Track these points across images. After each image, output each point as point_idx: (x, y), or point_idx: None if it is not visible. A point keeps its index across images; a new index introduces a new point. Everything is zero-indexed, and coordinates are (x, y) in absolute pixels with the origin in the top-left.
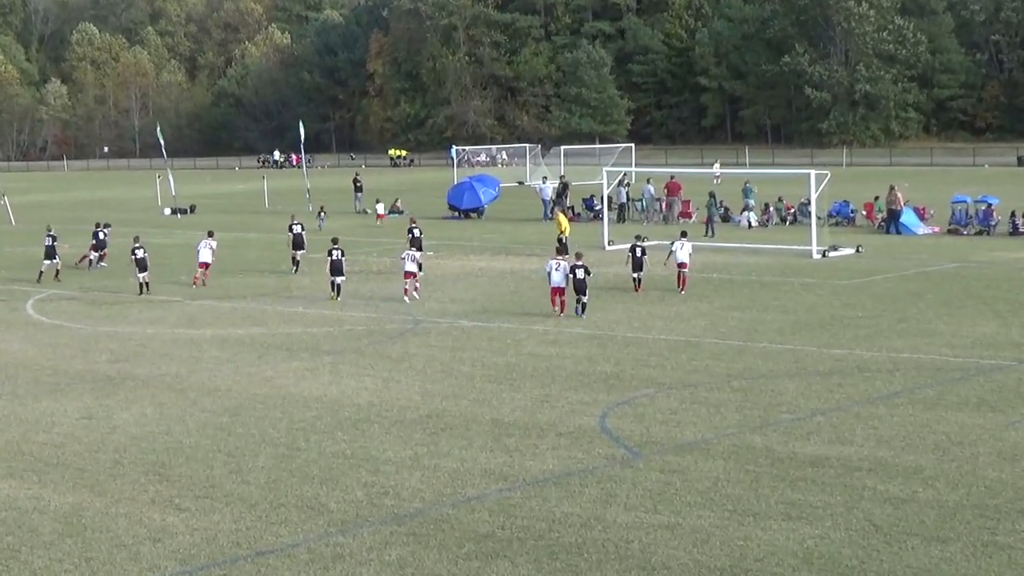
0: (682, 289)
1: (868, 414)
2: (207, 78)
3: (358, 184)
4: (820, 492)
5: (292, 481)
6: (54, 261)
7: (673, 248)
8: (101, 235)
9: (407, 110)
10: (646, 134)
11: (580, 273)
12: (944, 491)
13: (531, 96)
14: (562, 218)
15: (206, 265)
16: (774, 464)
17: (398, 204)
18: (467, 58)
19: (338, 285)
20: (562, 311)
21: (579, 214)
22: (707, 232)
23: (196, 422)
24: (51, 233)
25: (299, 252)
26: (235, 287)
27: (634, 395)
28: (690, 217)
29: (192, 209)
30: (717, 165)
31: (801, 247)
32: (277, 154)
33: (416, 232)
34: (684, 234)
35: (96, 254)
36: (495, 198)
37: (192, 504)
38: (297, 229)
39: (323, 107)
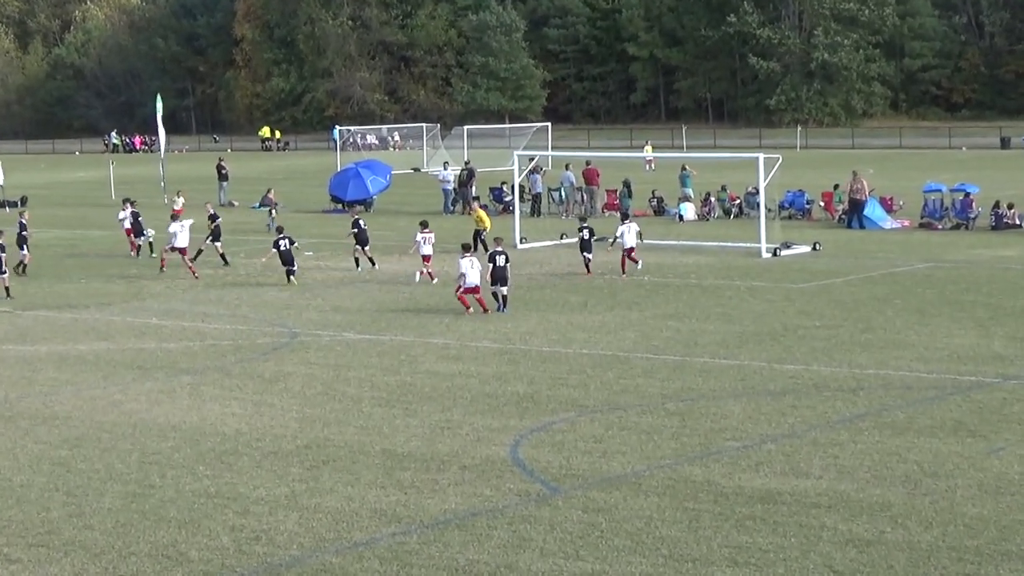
0: (625, 275)
1: (827, 440)
2: (41, 45)
3: (223, 171)
4: (771, 533)
5: (145, 525)
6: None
7: (619, 232)
8: None
9: (280, 84)
10: (565, 111)
11: (501, 260)
12: (916, 531)
13: (428, 67)
14: (483, 213)
15: (183, 251)
16: (717, 501)
17: (271, 195)
18: (351, 22)
19: (292, 273)
20: (484, 311)
21: (486, 206)
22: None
23: (28, 456)
24: None
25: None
26: (75, 294)
27: (551, 420)
28: (616, 209)
29: (23, 201)
30: (649, 148)
31: (748, 244)
32: (115, 135)
33: (362, 224)
34: (626, 216)
35: None
36: (386, 187)
37: (24, 554)
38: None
39: (180, 80)
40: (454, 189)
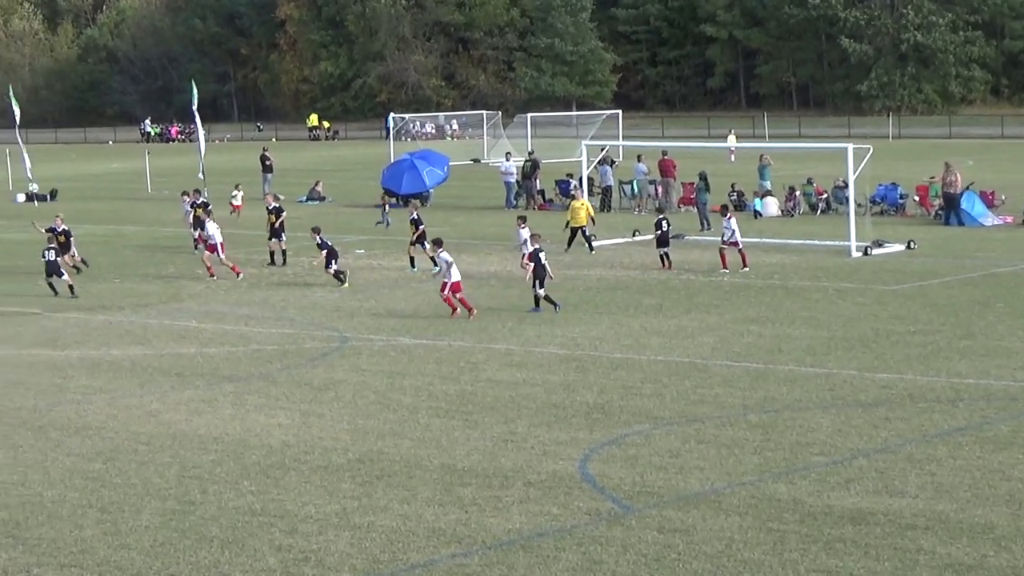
0: (745, 266)
1: (923, 456)
2: (72, 26)
3: (267, 162)
4: (863, 557)
5: (185, 544)
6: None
7: (724, 225)
8: None
9: (329, 68)
10: (637, 98)
11: (543, 257)
12: (1022, 555)
13: (489, 49)
14: (582, 205)
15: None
16: (803, 521)
17: (318, 188)
18: (405, 1)
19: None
20: (470, 312)
21: (551, 200)
22: (702, 225)
23: (60, 469)
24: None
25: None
26: (109, 295)
27: (624, 433)
28: (693, 204)
29: (53, 195)
30: (732, 137)
31: (836, 243)
32: (149, 124)
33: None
34: (726, 208)
35: None
36: (443, 180)
37: (56, 575)
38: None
39: (221, 64)
40: (517, 182)
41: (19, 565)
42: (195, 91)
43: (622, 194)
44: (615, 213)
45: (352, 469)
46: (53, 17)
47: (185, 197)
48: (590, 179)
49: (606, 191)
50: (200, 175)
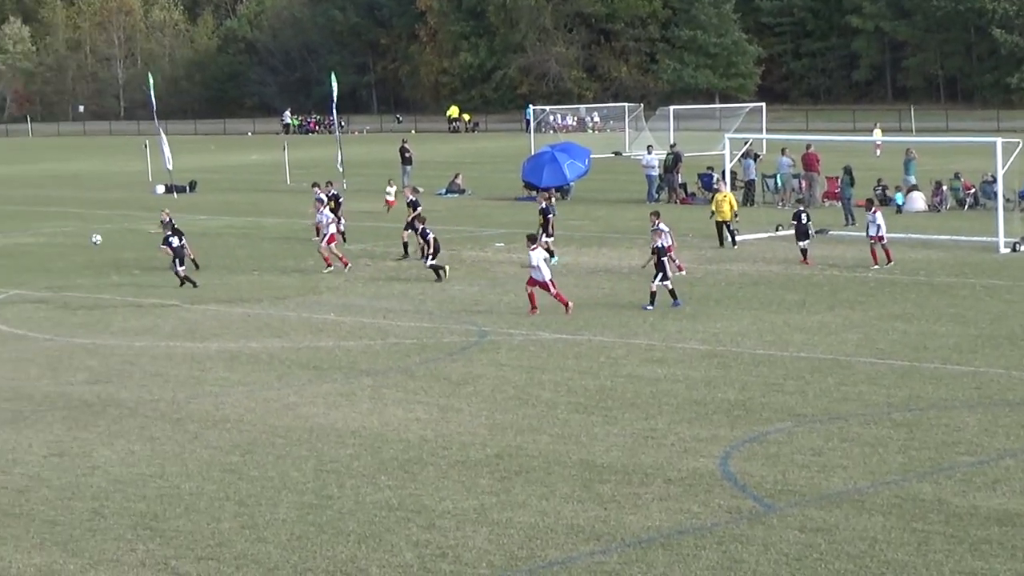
0: (889, 261)
1: None
2: (211, 17)
3: (406, 154)
4: (1009, 559)
5: (322, 539)
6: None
7: (869, 220)
8: None
9: (469, 59)
10: (781, 90)
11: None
12: None
13: (631, 41)
14: (724, 198)
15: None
16: (948, 522)
17: (458, 181)
18: None
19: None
20: (533, 309)
21: (693, 194)
22: (846, 220)
23: (198, 462)
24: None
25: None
26: (248, 287)
27: (765, 430)
28: (837, 199)
29: (192, 186)
30: (878, 131)
31: (984, 238)
32: (289, 116)
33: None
34: (871, 202)
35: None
36: (584, 173)
37: (193, 567)
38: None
39: (360, 55)
40: (659, 175)
41: (157, 557)
42: (335, 83)
43: (765, 188)
44: (758, 207)
45: (490, 464)
46: (193, 8)
47: (316, 189)
48: (733, 173)
49: (749, 185)
50: (339, 167)
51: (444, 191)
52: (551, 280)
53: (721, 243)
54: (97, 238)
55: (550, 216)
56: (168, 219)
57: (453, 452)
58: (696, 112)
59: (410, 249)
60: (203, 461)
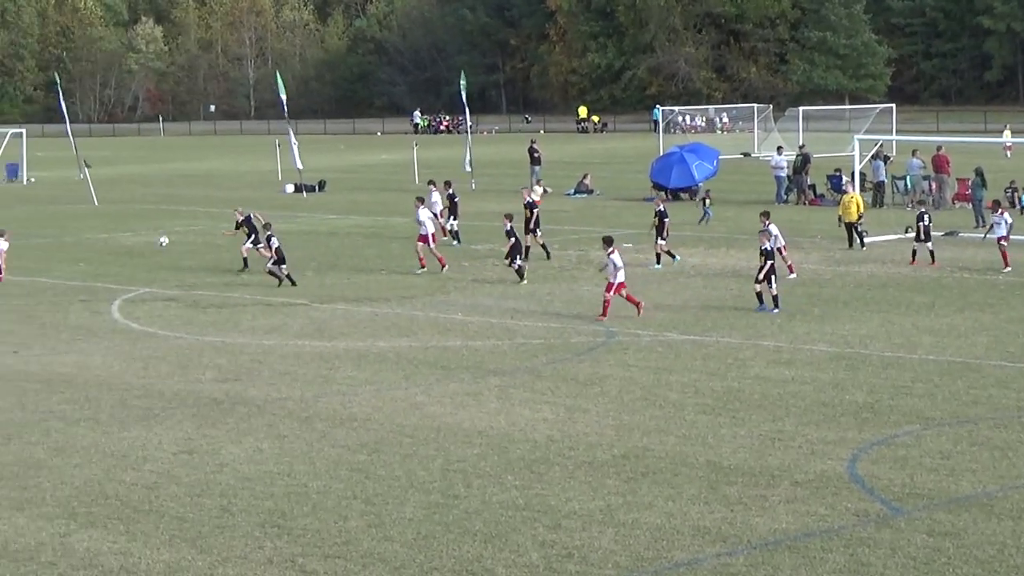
0: (1006, 266)
1: None
2: (341, 17)
3: (535, 154)
4: None
5: (448, 538)
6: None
7: (995, 221)
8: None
9: (598, 60)
10: (911, 92)
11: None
12: None
13: (760, 42)
14: (851, 199)
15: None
16: None
17: (586, 181)
18: None
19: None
20: (637, 307)
21: (822, 195)
22: (977, 222)
23: (325, 460)
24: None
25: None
26: (375, 287)
27: (893, 433)
28: (967, 200)
29: (321, 186)
30: (1007, 132)
31: None
32: (418, 115)
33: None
34: (997, 203)
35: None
36: (712, 174)
37: (320, 565)
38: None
39: (490, 55)
40: (788, 176)
41: (284, 555)
42: (464, 83)
43: (895, 190)
44: (887, 209)
45: (617, 465)
46: (323, 8)
47: (432, 187)
48: (862, 174)
49: (878, 187)
50: (467, 167)
51: (572, 191)
52: (621, 282)
53: (850, 244)
54: (164, 240)
55: (666, 220)
56: (242, 218)
57: (580, 452)
58: (826, 113)
59: (533, 251)
60: (331, 460)
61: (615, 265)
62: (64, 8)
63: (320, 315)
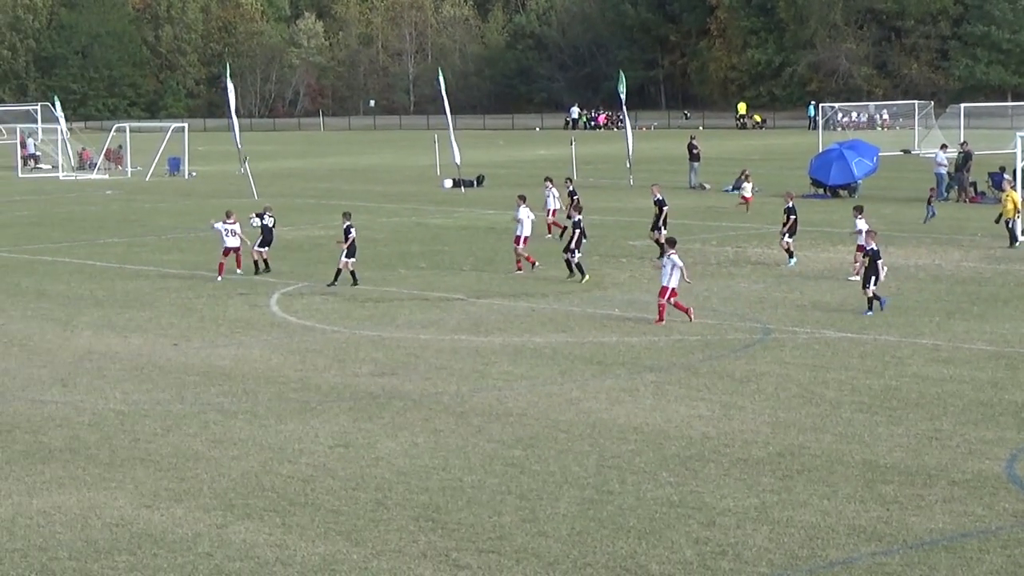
0: None
1: None
2: (501, 13)
3: (694, 151)
4: None
5: (602, 534)
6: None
7: None
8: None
9: (757, 56)
10: None
11: (880, 258)
12: None
13: (921, 38)
14: (1007, 197)
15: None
16: None
17: (746, 177)
18: None
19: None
20: (687, 310)
21: (983, 193)
22: None
23: (480, 455)
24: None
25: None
26: (533, 282)
27: None
28: None
29: (480, 181)
30: None
31: None
32: (575, 111)
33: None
34: None
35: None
36: (872, 171)
37: (474, 560)
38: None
39: (649, 51)
40: (949, 173)
41: (438, 549)
42: (623, 80)
43: None
44: None
45: (772, 463)
46: (483, 4)
47: (549, 183)
48: None
49: None
50: (627, 162)
51: (731, 187)
52: (673, 287)
53: (1012, 243)
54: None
55: (793, 217)
56: (263, 213)
57: (735, 450)
58: (988, 110)
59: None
60: (486, 454)
61: (672, 266)
62: (227, 3)
63: (476, 310)
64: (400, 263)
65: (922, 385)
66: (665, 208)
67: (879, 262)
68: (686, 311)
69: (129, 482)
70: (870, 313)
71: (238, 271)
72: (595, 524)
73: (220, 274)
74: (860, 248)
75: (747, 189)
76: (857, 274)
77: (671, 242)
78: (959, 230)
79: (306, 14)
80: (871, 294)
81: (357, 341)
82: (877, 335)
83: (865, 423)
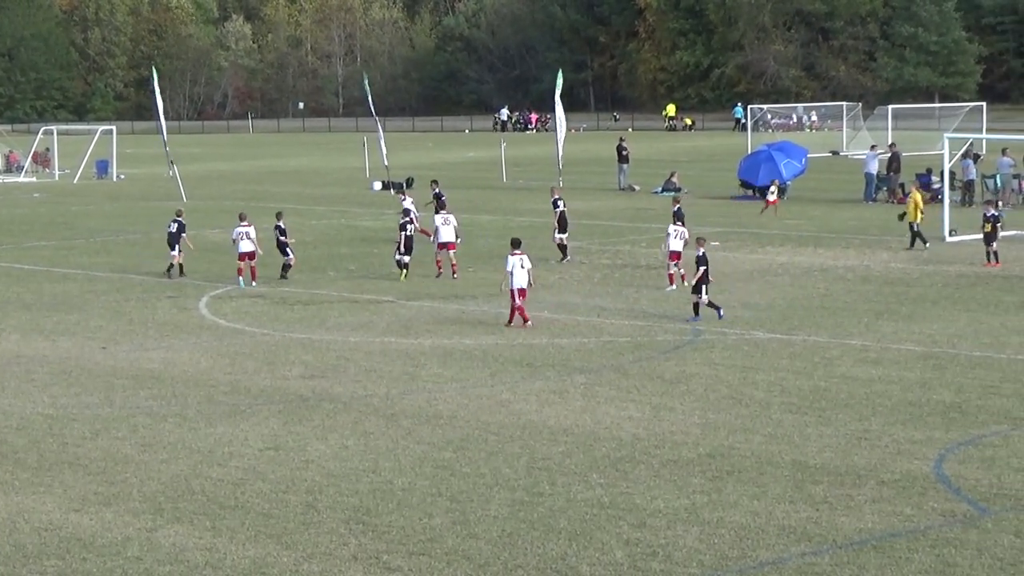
0: None
1: None
2: (429, 15)
3: (623, 152)
4: None
5: (533, 535)
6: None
7: None
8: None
9: (686, 58)
10: (1001, 90)
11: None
12: None
13: (850, 39)
14: (918, 197)
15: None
16: None
17: (674, 179)
18: None
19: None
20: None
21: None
22: None
23: (411, 457)
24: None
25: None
26: (462, 284)
27: (981, 433)
28: None
29: (409, 183)
30: None
31: None
32: (505, 112)
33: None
34: None
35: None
36: (800, 172)
37: (405, 562)
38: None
39: (579, 53)
40: (878, 175)
41: (369, 551)
42: (560, 81)
43: (984, 188)
44: (976, 207)
45: (702, 464)
46: (412, 5)
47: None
48: (952, 173)
49: (968, 185)
50: (557, 165)
51: (660, 189)
52: (521, 289)
53: (912, 244)
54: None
55: (704, 268)
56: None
57: (665, 451)
58: (915, 111)
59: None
60: (416, 457)
61: (518, 267)
62: (156, 6)
63: (406, 312)
64: (329, 265)
65: (851, 386)
66: (559, 209)
67: (705, 268)
68: (525, 319)
69: (58, 486)
70: (698, 319)
71: (253, 283)
72: (526, 526)
73: (240, 276)
74: (674, 255)
75: (773, 192)
76: (684, 280)
77: (515, 243)
78: (888, 231)
79: (234, 16)
80: (706, 301)
81: (287, 344)
82: (806, 336)
83: (794, 424)
